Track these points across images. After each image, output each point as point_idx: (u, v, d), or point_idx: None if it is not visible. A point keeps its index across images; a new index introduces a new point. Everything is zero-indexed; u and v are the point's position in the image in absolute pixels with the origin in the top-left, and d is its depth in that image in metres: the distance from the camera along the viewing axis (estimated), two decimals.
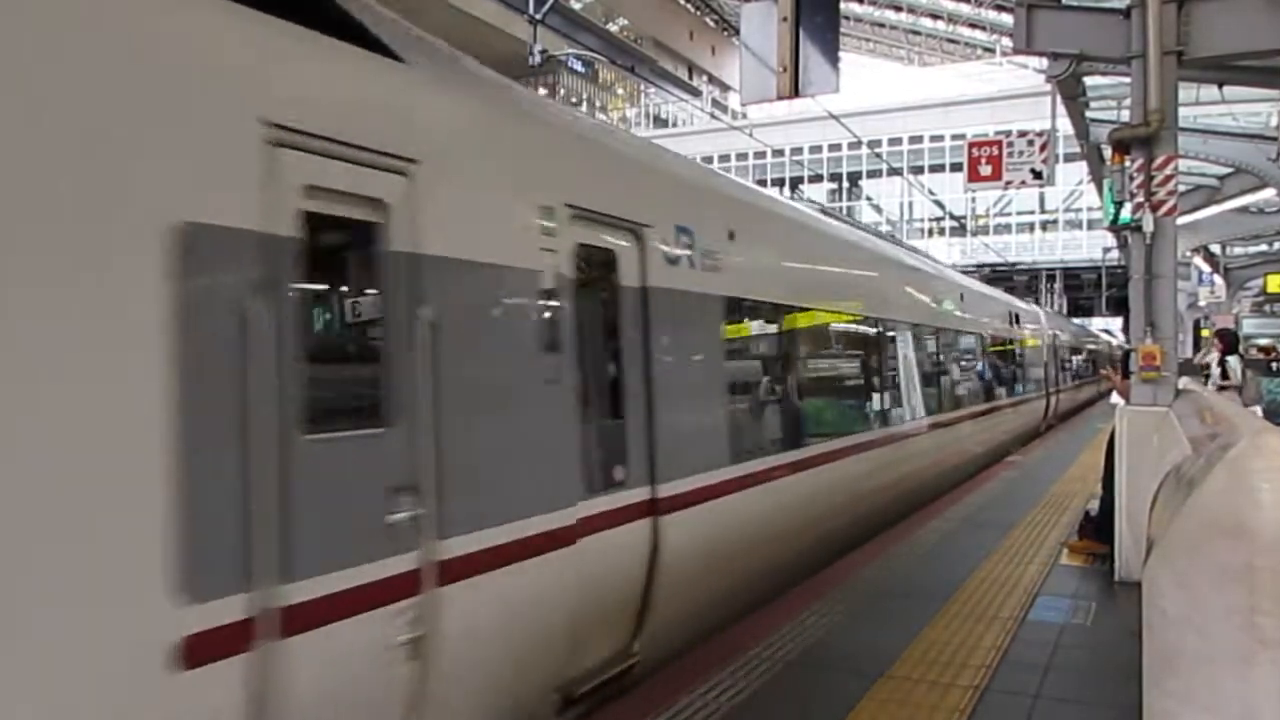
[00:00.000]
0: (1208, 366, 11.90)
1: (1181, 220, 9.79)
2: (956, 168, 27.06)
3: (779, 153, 42.37)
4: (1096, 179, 16.07)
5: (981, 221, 49.03)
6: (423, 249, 3.37)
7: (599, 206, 4.53)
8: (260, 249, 2.79)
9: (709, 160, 30.06)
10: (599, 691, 4.35)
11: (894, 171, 44.49)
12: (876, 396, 9.17)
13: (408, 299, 3.31)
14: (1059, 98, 11.80)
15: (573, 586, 4.04)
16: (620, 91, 55.08)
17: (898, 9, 47.96)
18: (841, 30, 9.14)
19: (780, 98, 8.76)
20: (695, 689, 4.31)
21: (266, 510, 2.75)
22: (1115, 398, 9.05)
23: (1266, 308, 29.10)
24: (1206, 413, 5.63)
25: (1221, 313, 27.16)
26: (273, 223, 2.83)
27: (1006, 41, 33.39)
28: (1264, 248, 27.04)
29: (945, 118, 47.57)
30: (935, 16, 47.96)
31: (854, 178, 52.25)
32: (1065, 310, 42.63)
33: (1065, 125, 13.83)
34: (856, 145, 41.26)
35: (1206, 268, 28.59)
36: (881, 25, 50.46)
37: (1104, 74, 10.10)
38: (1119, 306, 35.11)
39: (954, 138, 43.39)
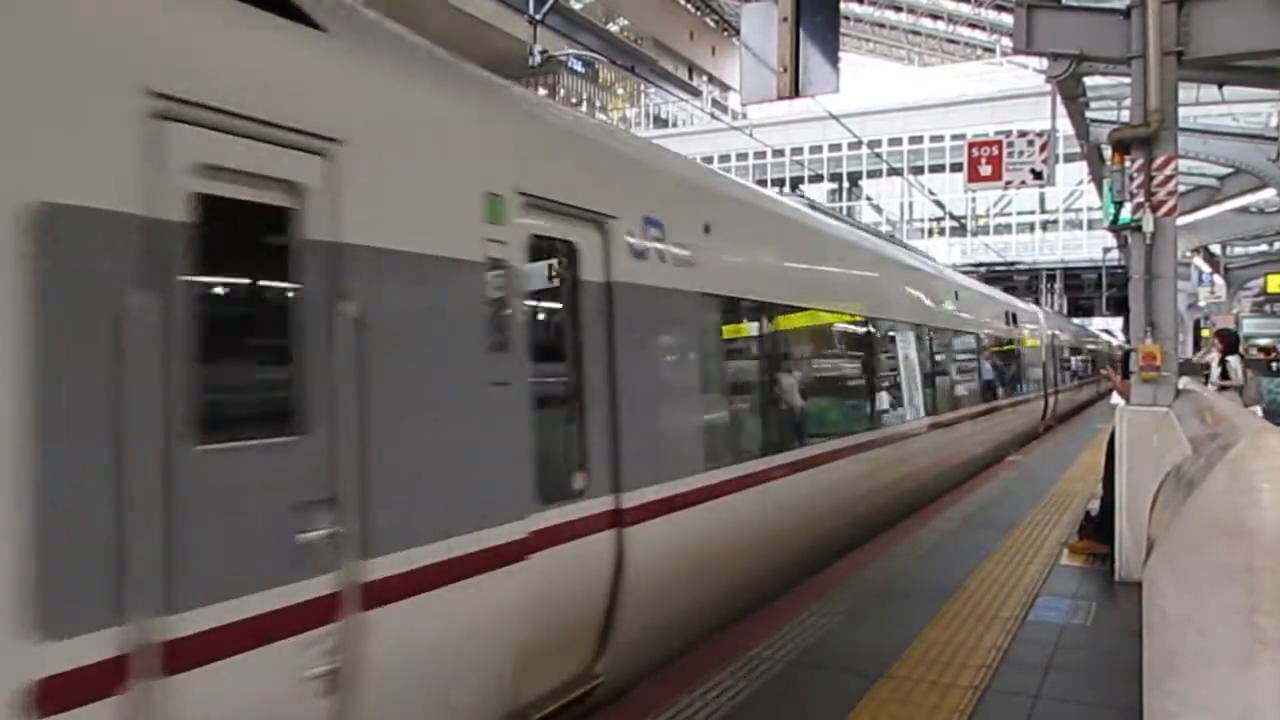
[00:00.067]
0: (1208, 366, 11.90)
1: (1181, 220, 9.80)
2: (956, 168, 27.08)
3: (779, 153, 42.37)
4: (1096, 179, 16.07)
5: (981, 222, 49.06)
6: (346, 238, 3.06)
7: (556, 195, 4.19)
8: (141, 234, 2.47)
9: (709, 160, 30.02)
10: (558, 716, 4.10)
11: (894, 171, 44.51)
12: (864, 399, 8.86)
13: (327, 293, 3.00)
14: (1059, 98, 11.80)
15: (523, 606, 3.74)
16: (620, 92, 55.09)
17: (898, 9, 47.95)
18: (842, 30, 9.14)
19: (780, 98, 8.77)
20: (695, 689, 4.31)
21: (145, 532, 2.43)
22: (1115, 398, 9.03)
23: (1266, 308, 29.12)
24: (1206, 413, 5.63)
25: (1221, 313, 27.16)
26: (157, 205, 2.50)
27: (1006, 41, 33.37)
28: (1264, 248, 27.04)
29: (945, 118, 47.61)
30: (935, 17, 47.95)
31: (854, 178, 52.29)
32: (1065, 310, 42.63)
33: (1065, 125, 13.83)
34: (856, 145, 41.31)
35: (1206, 268, 28.59)
36: (882, 25, 50.45)
37: (1104, 74, 10.10)
38: (1119, 307, 35.10)
39: (954, 138, 43.42)
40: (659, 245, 5.01)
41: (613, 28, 46.96)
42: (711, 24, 57.16)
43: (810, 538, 6.82)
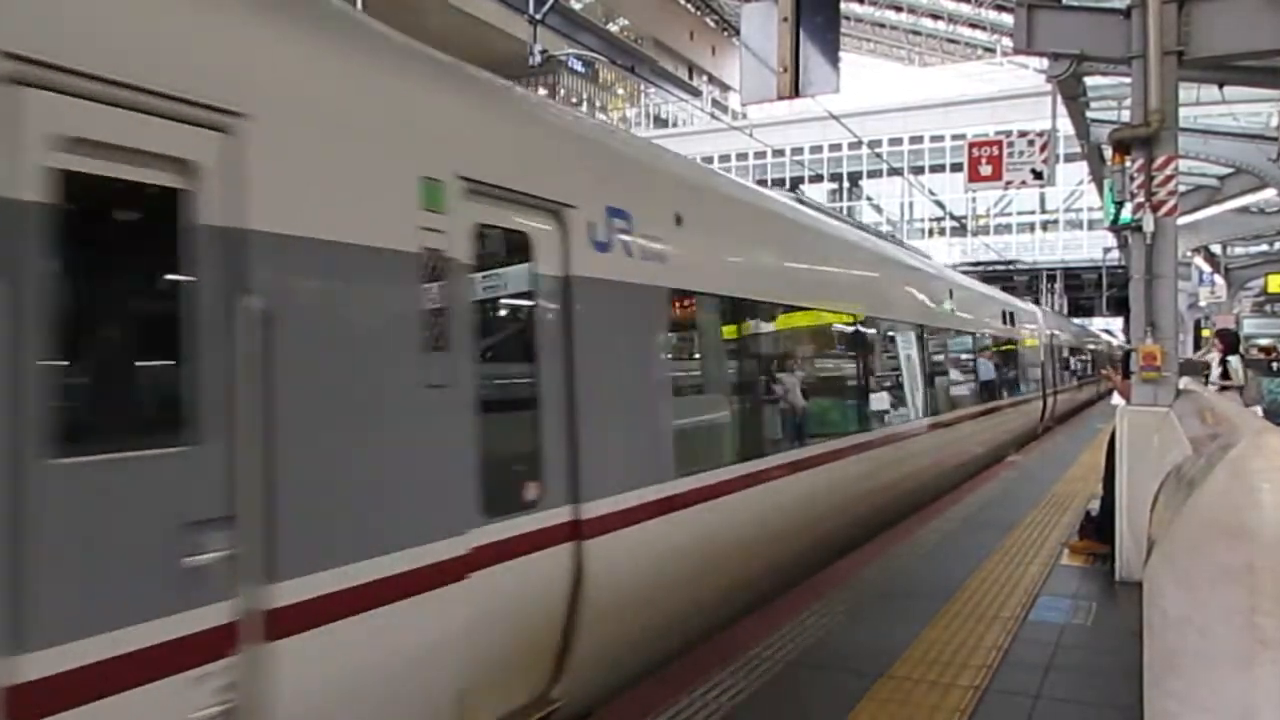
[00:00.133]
0: (1208, 365, 11.89)
1: (1182, 220, 9.78)
2: (957, 168, 27.08)
3: (779, 153, 42.37)
4: (1097, 179, 16.06)
5: (982, 221, 49.09)
6: (251, 224, 2.73)
7: (506, 181, 3.84)
8: None
9: (709, 161, 30.03)
10: None
11: (894, 171, 44.53)
12: (850, 402, 8.46)
13: (226, 285, 2.66)
14: (1059, 98, 11.80)
15: (464, 629, 3.43)
16: (620, 92, 55.11)
17: (898, 9, 47.97)
18: (842, 30, 9.13)
19: (780, 98, 8.76)
20: (695, 689, 4.30)
21: None
22: (1116, 398, 9.02)
23: (1267, 308, 29.11)
24: (1207, 413, 5.63)
25: (1222, 313, 27.17)
26: (5, 183, 2.23)
27: (1007, 41, 33.39)
28: (1264, 248, 27.05)
29: (945, 118, 47.65)
30: (936, 16, 47.98)
31: (854, 178, 52.33)
32: (1066, 310, 42.62)
33: (1066, 125, 13.83)
34: (857, 145, 41.34)
35: (1207, 268, 28.60)
36: (882, 25, 50.48)
37: (1104, 74, 10.10)
38: (1119, 306, 35.14)
39: (954, 138, 43.46)
40: (624, 238, 4.66)
41: (613, 28, 46.99)
42: (712, 24, 57.20)
43: (790, 547, 6.47)
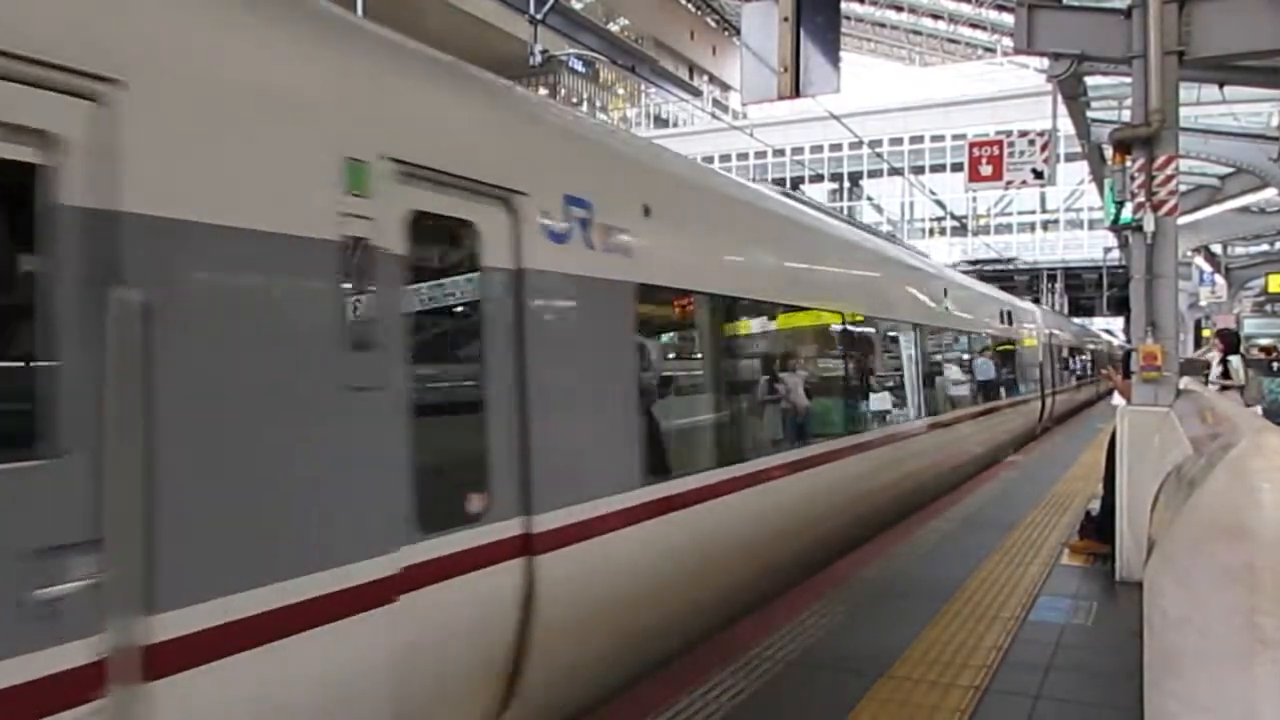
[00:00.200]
0: (1208, 365, 11.90)
1: (1182, 220, 9.79)
2: (957, 168, 27.09)
3: (779, 152, 42.40)
4: (1097, 179, 16.07)
5: (982, 221, 49.12)
6: (125, 205, 2.41)
7: (446, 165, 3.50)
8: None
9: (709, 160, 30.02)
10: None
11: (895, 171, 44.55)
12: (835, 403, 8.02)
13: (94, 274, 2.35)
14: (1060, 98, 11.79)
15: (393, 656, 3.13)
16: (621, 91, 55.13)
17: (899, 9, 48.02)
18: (842, 30, 9.14)
19: (781, 98, 8.76)
20: (695, 689, 4.30)
21: None
22: (1116, 398, 9.02)
23: (1268, 307, 29.12)
24: (1207, 413, 5.63)
25: (1222, 312, 27.20)
26: None
27: (1007, 41, 33.39)
28: (1265, 247, 27.08)
29: (946, 118, 47.70)
30: (936, 16, 48.03)
31: (855, 178, 52.36)
32: (1066, 310, 42.64)
33: (1066, 125, 13.82)
34: (857, 145, 41.35)
35: (1208, 267, 28.63)
36: (882, 25, 50.54)
37: (1105, 74, 10.10)
38: (1120, 306, 35.11)
39: (955, 138, 43.51)
40: (585, 229, 4.32)
41: (613, 27, 47.02)
42: (712, 24, 57.24)
43: (769, 557, 6.11)
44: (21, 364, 2.33)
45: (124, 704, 2.34)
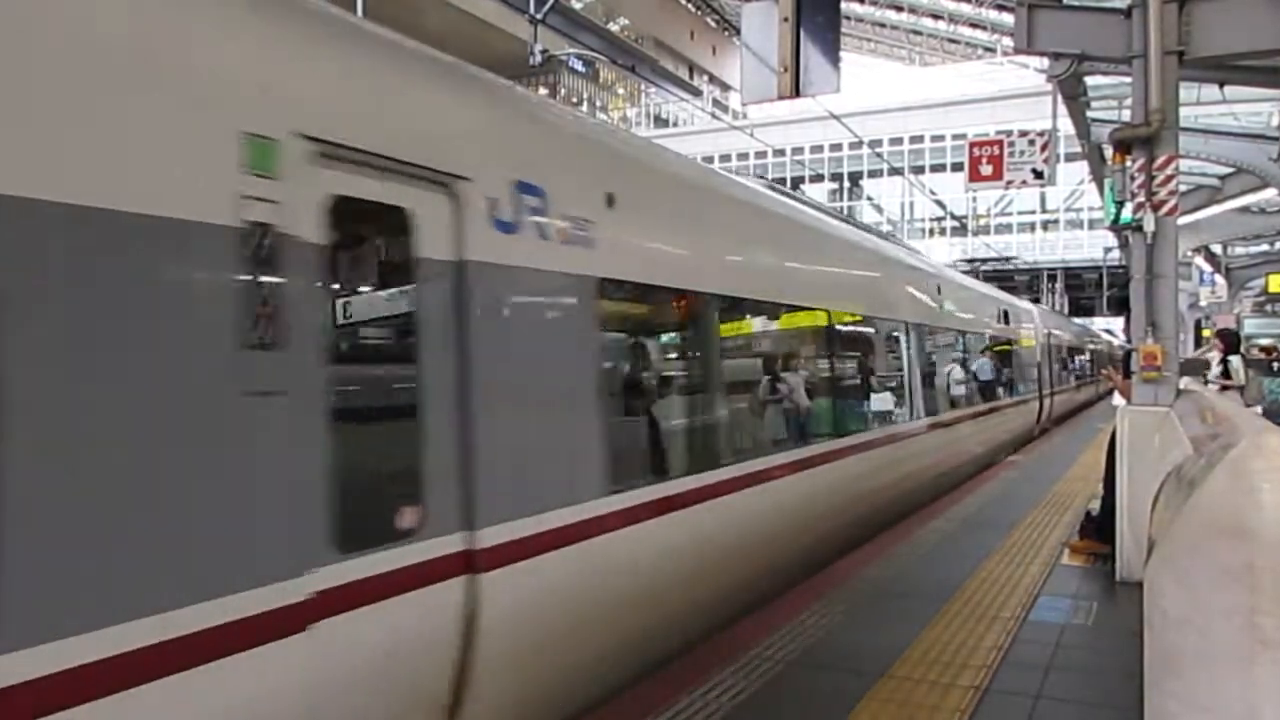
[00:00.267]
0: (1207, 364, 11.90)
1: (1182, 220, 9.79)
2: (957, 167, 27.10)
3: (779, 152, 42.40)
4: (1097, 179, 16.07)
5: (982, 221, 49.14)
6: None
7: (374, 145, 3.18)
8: None
9: (709, 160, 30.02)
10: None
11: (895, 171, 44.56)
12: (817, 406, 7.63)
13: None
14: (1060, 97, 11.80)
15: (303, 694, 2.81)
16: (621, 91, 55.15)
17: (899, 9, 48.04)
18: (842, 30, 9.14)
19: (781, 98, 8.77)
20: (695, 689, 4.30)
21: None
22: (1117, 398, 9.02)
23: (1268, 307, 29.13)
24: (1208, 413, 5.63)
25: (1223, 312, 27.21)
26: None
27: (1007, 41, 33.40)
28: (1265, 247, 27.09)
29: (946, 117, 47.72)
30: (936, 16, 48.05)
31: (855, 177, 52.39)
32: (1067, 310, 42.65)
33: (1066, 125, 13.83)
34: (857, 145, 41.36)
35: (1208, 267, 28.64)
36: (882, 25, 50.56)
37: (1105, 74, 10.10)
38: (1120, 306, 35.11)
39: (955, 137, 43.52)
40: (538, 218, 3.99)
41: (613, 27, 47.03)
42: (712, 24, 57.26)
43: (743, 569, 5.75)
44: None
45: None
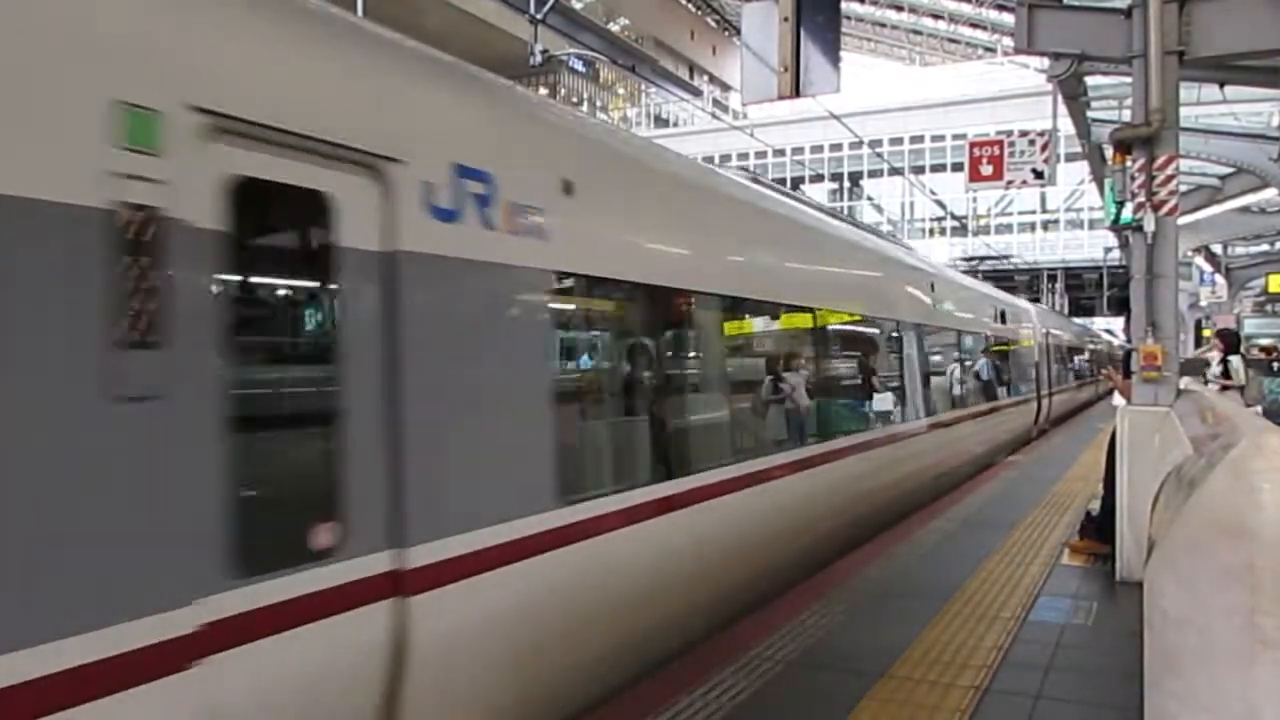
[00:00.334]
0: (1207, 363, 11.91)
1: (1183, 220, 9.79)
2: (958, 167, 27.10)
3: (780, 152, 42.41)
4: (1098, 179, 16.07)
5: (982, 221, 49.16)
6: None
7: (285, 121, 2.85)
8: None
9: (710, 160, 30.01)
10: None
11: (895, 171, 44.57)
12: (796, 409, 7.17)
13: None
14: (1060, 97, 11.80)
15: None
16: (621, 91, 55.15)
17: (899, 9, 48.05)
18: (842, 30, 9.14)
19: (781, 97, 8.76)
20: (695, 689, 4.30)
21: None
22: (1117, 398, 9.02)
23: (1268, 307, 29.14)
24: (1208, 413, 5.63)
25: (1223, 312, 27.21)
26: None
27: (1008, 41, 33.41)
28: (1265, 247, 27.10)
29: (946, 117, 47.75)
30: (936, 16, 48.06)
31: (855, 177, 52.40)
32: (1067, 310, 42.65)
33: (1066, 125, 13.84)
34: (857, 145, 41.39)
35: (1208, 267, 28.66)
36: (883, 25, 50.58)
37: (1105, 74, 10.11)
38: (1120, 306, 35.11)
39: (955, 137, 43.55)
40: (483, 205, 3.67)
41: (614, 27, 47.03)
42: (712, 23, 57.26)
43: (714, 585, 5.36)
44: None
45: None
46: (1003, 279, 35.67)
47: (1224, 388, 9.90)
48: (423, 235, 3.35)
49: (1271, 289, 26.56)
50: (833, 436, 7.54)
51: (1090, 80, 11.49)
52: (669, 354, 5.49)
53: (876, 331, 9.64)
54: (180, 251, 2.52)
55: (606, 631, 4.32)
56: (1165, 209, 6.53)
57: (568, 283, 4.33)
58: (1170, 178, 6.56)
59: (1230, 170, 16.75)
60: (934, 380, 11.18)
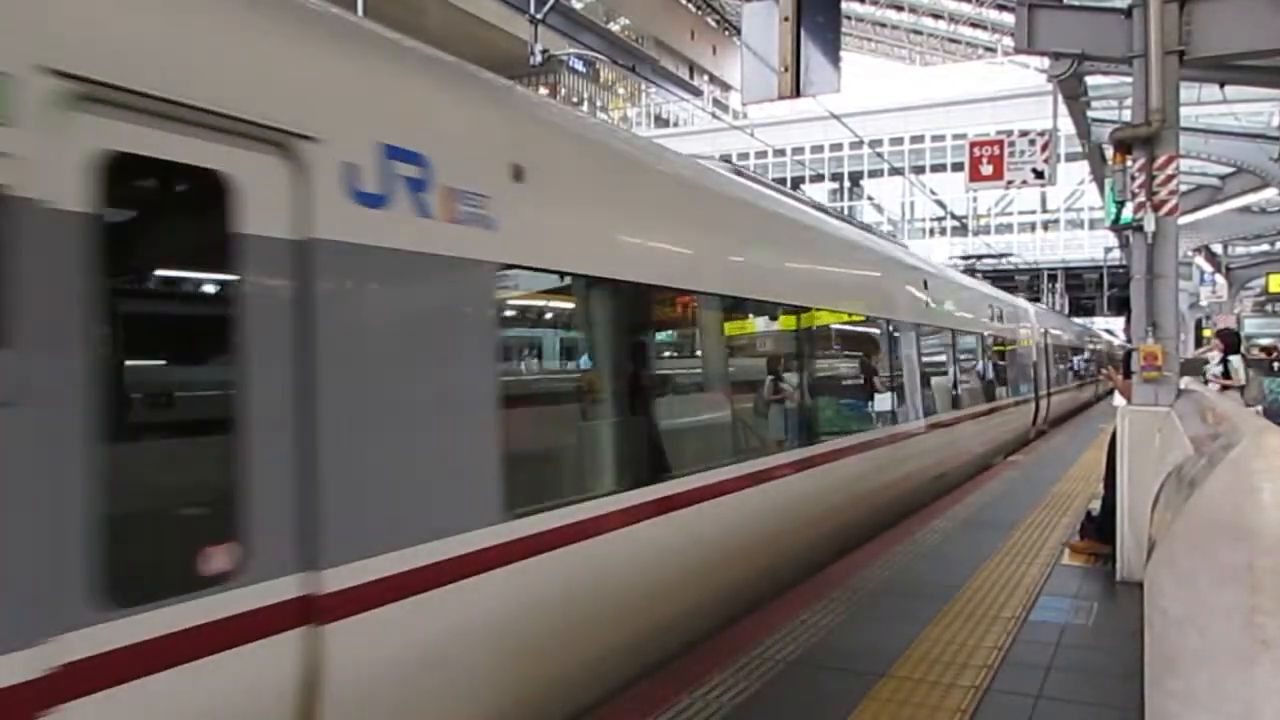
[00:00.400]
0: (1207, 362, 11.92)
1: (1183, 220, 9.80)
2: (958, 167, 27.09)
3: (780, 152, 42.42)
4: (1098, 178, 16.07)
5: (983, 221, 49.18)
6: None
7: (167, 89, 2.51)
8: None
9: (710, 160, 29.94)
10: None
11: (895, 171, 44.58)
12: (771, 412, 6.81)
13: None
14: (1060, 97, 11.80)
15: None
16: (621, 91, 55.16)
17: (899, 9, 48.01)
18: (843, 30, 9.14)
19: (781, 97, 8.76)
20: (695, 689, 4.30)
21: None
22: (1117, 398, 8.99)
23: (1268, 307, 29.16)
24: (1208, 412, 5.63)
25: (1223, 312, 27.21)
26: None
27: (1008, 41, 33.39)
28: (1266, 247, 27.10)
29: (946, 117, 47.78)
30: (937, 16, 48.02)
31: (855, 177, 52.43)
32: (1067, 310, 42.65)
33: (1066, 125, 13.84)
34: (858, 145, 41.40)
35: (1208, 267, 28.65)
36: (883, 25, 50.53)
37: (1105, 73, 10.11)
38: (1121, 306, 35.14)
39: (955, 137, 43.57)
40: (417, 191, 3.36)
41: (614, 27, 47.05)
42: (713, 23, 57.28)
43: (679, 602, 4.97)
44: None
45: None
46: (1003, 279, 35.64)
47: (1224, 388, 9.91)
48: (343, 222, 3.04)
49: (1272, 289, 26.58)
50: (810, 443, 6.95)
51: (1090, 80, 11.49)
52: (631, 354, 5.06)
53: (860, 330, 9.25)
54: (35, 237, 2.24)
55: (559, 657, 3.97)
56: (1165, 209, 6.53)
57: (517, 276, 4.01)
58: (1170, 178, 6.56)
59: (1230, 170, 16.76)
60: (926, 381, 10.76)
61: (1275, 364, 17.35)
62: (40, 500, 2.23)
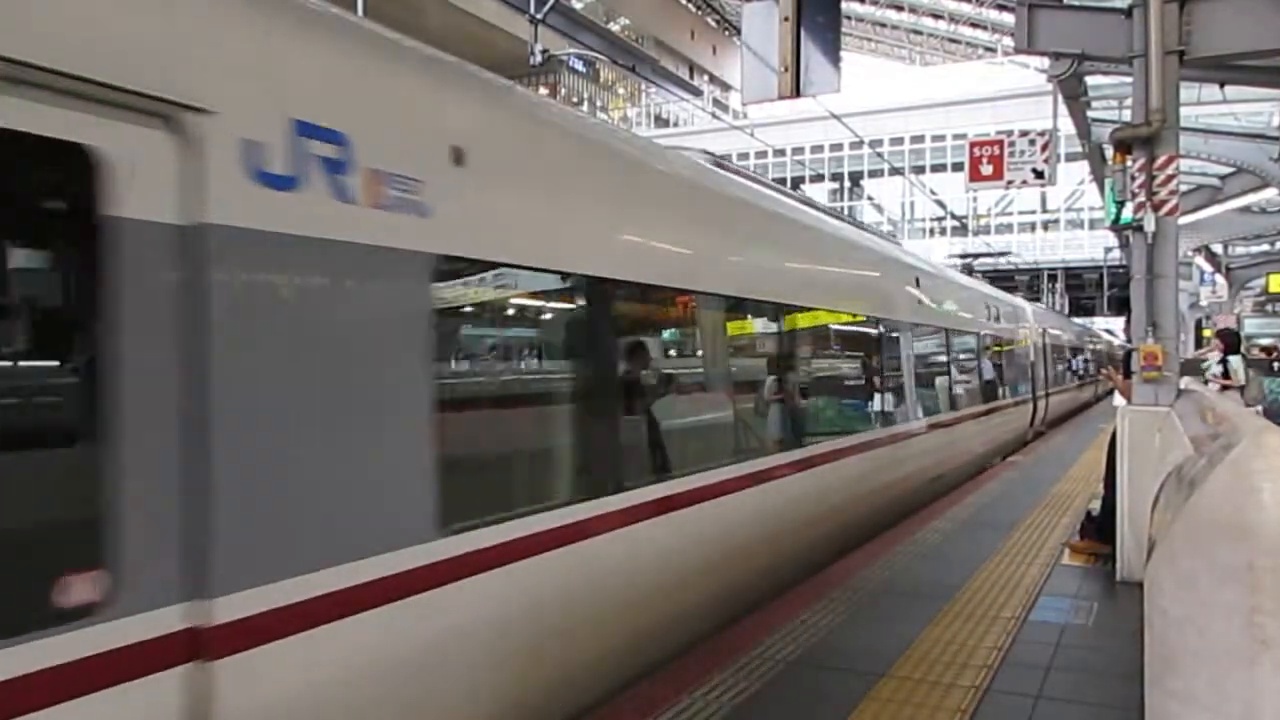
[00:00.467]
0: (1206, 362, 11.93)
1: (1183, 220, 9.80)
2: (958, 167, 27.10)
3: (780, 152, 42.43)
4: (1098, 178, 16.08)
5: (983, 221, 49.20)
6: None
7: (19, 49, 2.20)
8: None
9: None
10: None
11: (895, 171, 44.60)
12: (747, 415, 6.34)
13: None
14: (1060, 97, 11.80)
15: None
16: (621, 91, 55.16)
17: (899, 9, 48.02)
18: (843, 30, 9.15)
19: (781, 97, 8.77)
20: (695, 689, 4.30)
21: None
22: (1117, 398, 8.99)
23: (1268, 307, 29.16)
24: (1208, 412, 5.63)
25: (1223, 312, 27.22)
26: None
27: (1008, 41, 33.39)
28: (1266, 247, 27.12)
29: (946, 117, 47.84)
30: (937, 16, 48.03)
31: (855, 177, 52.45)
32: (1067, 310, 42.64)
33: (1067, 125, 13.84)
34: (858, 145, 41.42)
35: (1208, 267, 28.66)
36: (883, 25, 50.54)
37: (1105, 73, 10.11)
38: (1121, 306, 35.14)
39: (955, 137, 43.60)
40: (335, 173, 3.00)
41: (614, 27, 47.06)
42: (713, 23, 57.30)
43: (627, 627, 4.51)
44: None
45: None
46: (1003, 279, 35.63)
47: (1224, 388, 9.91)
48: (242, 206, 2.69)
49: (1272, 289, 26.58)
50: (787, 449, 6.53)
51: (1090, 80, 11.50)
52: (584, 353, 4.66)
53: (845, 327, 8.78)
54: None
55: (500, 687, 3.61)
56: (1165, 209, 6.53)
57: (455, 270, 3.65)
58: (1170, 178, 6.56)
59: (1230, 170, 16.77)
60: (923, 381, 10.51)
61: (1275, 364, 17.36)
62: None
